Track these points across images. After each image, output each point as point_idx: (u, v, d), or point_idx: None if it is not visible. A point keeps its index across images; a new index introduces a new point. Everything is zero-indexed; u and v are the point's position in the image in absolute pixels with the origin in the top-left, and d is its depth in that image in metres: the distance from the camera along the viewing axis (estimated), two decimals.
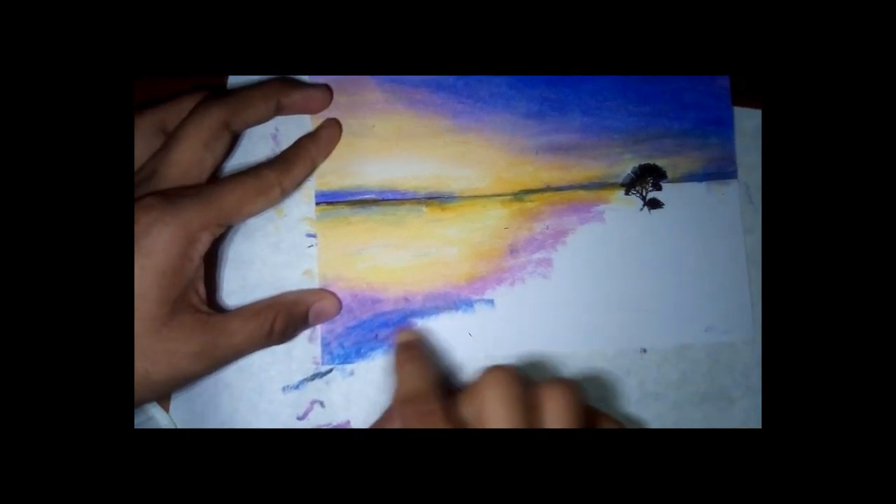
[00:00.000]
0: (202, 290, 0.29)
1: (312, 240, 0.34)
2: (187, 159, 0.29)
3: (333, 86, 0.34)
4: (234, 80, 0.34)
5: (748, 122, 0.35)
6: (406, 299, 0.34)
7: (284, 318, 0.31)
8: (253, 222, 0.33)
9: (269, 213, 0.33)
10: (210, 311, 0.29)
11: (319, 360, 0.33)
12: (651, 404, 0.34)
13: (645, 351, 0.34)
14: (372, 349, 0.33)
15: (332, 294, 0.33)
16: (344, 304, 0.34)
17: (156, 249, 0.26)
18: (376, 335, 0.33)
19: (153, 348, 0.26)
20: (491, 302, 0.34)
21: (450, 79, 0.35)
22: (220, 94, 0.31)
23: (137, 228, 0.26)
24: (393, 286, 0.34)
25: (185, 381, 0.29)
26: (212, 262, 0.32)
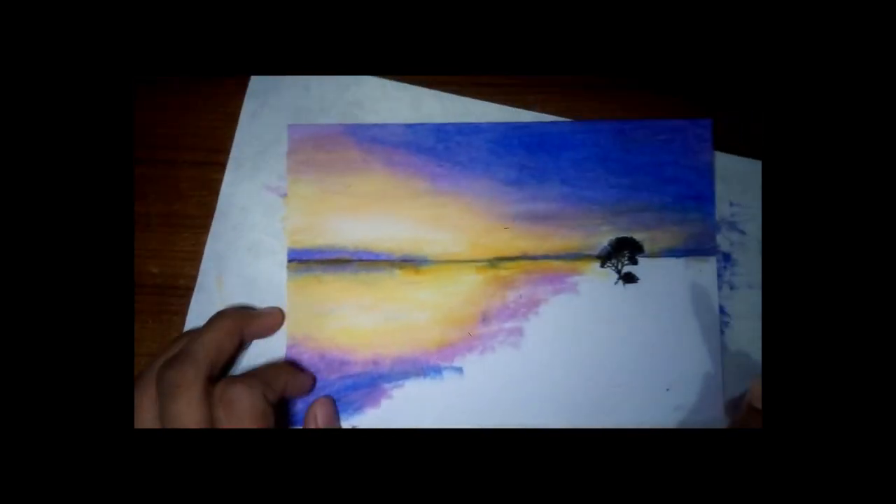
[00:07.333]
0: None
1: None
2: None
3: (311, 142, 0.34)
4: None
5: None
6: (375, 362, 0.34)
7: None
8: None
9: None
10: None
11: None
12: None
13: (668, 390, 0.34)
14: (339, 412, 0.33)
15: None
16: (312, 364, 0.33)
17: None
18: (344, 398, 0.33)
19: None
20: (460, 370, 0.34)
21: (430, 141, 0.34)
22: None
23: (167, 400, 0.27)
24: (362, 348, 0.34)
25: None
26: None
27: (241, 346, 0.32)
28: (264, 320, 0.33)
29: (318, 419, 0.32)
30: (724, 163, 0.35)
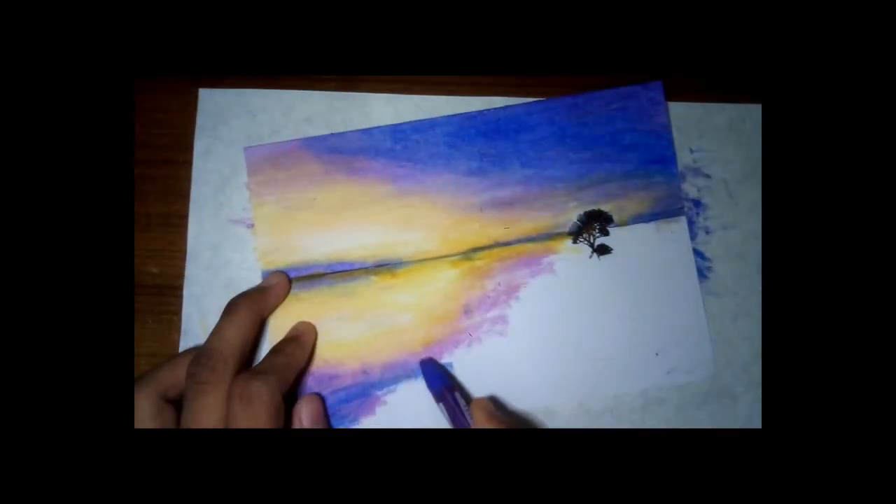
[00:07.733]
0: None
1: None
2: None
3: (269, 162, 0.34)
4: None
5: (720, 116, 0.35)
6: (364, 372, 0.33)
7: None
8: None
9: None
10: None
11: None
12: (655, 409, 0.34)
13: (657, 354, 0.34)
14: (334, 424, 0.33)
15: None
16: (301, 383, 0.33)
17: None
18: (337, 412, 0.33)
19: None
20: (450, 366, 0.33)
21: (387, 143, 0.34)
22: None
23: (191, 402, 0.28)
24: (349, 360, 0.33)
25: None
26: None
27: (263, 327, 0.33)
28: (275, 292, 0.33)
29: (304, 419, 0.31)
30: (677, 111, 0.35)
